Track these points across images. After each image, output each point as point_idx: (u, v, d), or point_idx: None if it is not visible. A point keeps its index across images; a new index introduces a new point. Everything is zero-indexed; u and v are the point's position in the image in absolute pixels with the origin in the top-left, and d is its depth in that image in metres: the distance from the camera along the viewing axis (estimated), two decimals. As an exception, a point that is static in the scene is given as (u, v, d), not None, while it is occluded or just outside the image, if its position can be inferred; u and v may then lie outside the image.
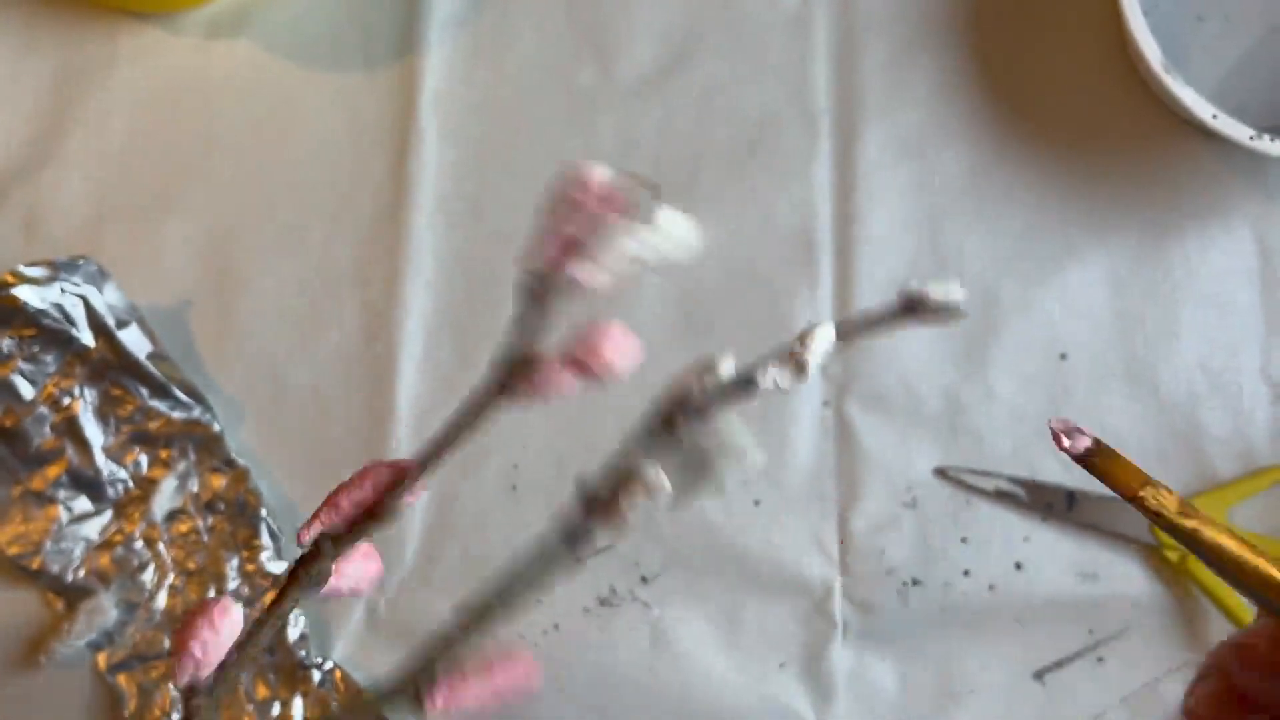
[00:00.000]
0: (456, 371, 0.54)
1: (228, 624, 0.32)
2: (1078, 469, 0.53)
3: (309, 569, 0.33)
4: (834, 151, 0.55)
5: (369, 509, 0.33)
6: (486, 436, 0.54)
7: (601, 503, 0.34)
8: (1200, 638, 0.52)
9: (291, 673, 0.51)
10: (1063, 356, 0.54)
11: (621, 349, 0.31)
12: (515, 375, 0.32)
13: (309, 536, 0.33)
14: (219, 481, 0.52)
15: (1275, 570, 0.30)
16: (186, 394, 0.52)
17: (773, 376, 0.34)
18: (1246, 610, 0.50)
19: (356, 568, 0.34)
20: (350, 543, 0.33)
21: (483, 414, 0.32)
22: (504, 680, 0.33)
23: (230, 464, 0.52)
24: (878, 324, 0.34)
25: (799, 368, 0.34)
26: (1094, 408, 0.53)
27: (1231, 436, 0.53)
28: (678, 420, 0.35)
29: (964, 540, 0.53)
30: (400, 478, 0.33)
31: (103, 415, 0.52)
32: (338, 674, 0.51)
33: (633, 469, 0.34)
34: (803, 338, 0.34)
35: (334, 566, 0.33)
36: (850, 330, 0.34)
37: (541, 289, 0.31)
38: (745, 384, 0.34)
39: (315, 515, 0.33)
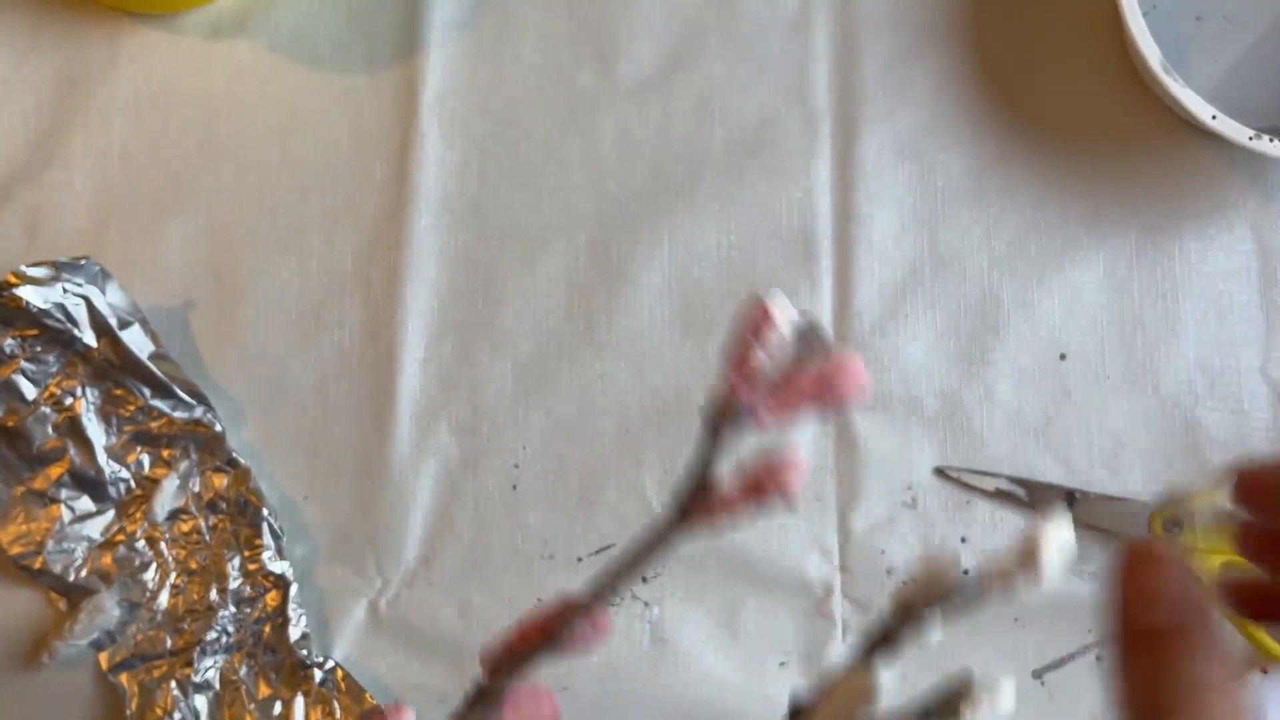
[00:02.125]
0: (457, 371, 0.54)
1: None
2: (1077, 468, 0.54)
3: (485, 697, 0.33)
4: (834, 152, 0.55)
5: (546, 634, 0.33)
6: (486, 438, 0.54)
7: (806, 713, 0.33)
8: (1199, 637, 0.52)
9: (293, 672, 0.51)
10: (1062, 356, 0.54)
11: (799, 473, 0.31)
12: (694, 503, 0.32)
13: (489, 657, 0.33)
14: (221, 481, 0.53)
15: None
16: (188, 394, 0.52)
17: (1001, 578, 0.33)
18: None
19: (531, 705, 0.34)
20: (524, 663, 0.33)
21: (664, 543, 0.32)
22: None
23: (232, 463, 0.53)
24: None
25: (1031, 565, 0.32)
26: (1094, 407, 0.53)
27: (1231, 436, 0.53)
28: (904, 631, 0.34)
29: (964, 540, 0.53)
30: (578, 607, 0.33)
31: (105, 415, 0.52)
32: (339, 673, 0.51)
33: (853, 678, 0.32)
34: (1032, 535, 0.31)
35: (506, 694, 0.33)
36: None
37: (722, 420, 0.31)
38: (976, 590, 0.32)
39: (499, 640, 0.33)
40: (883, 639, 0.34)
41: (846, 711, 0.33)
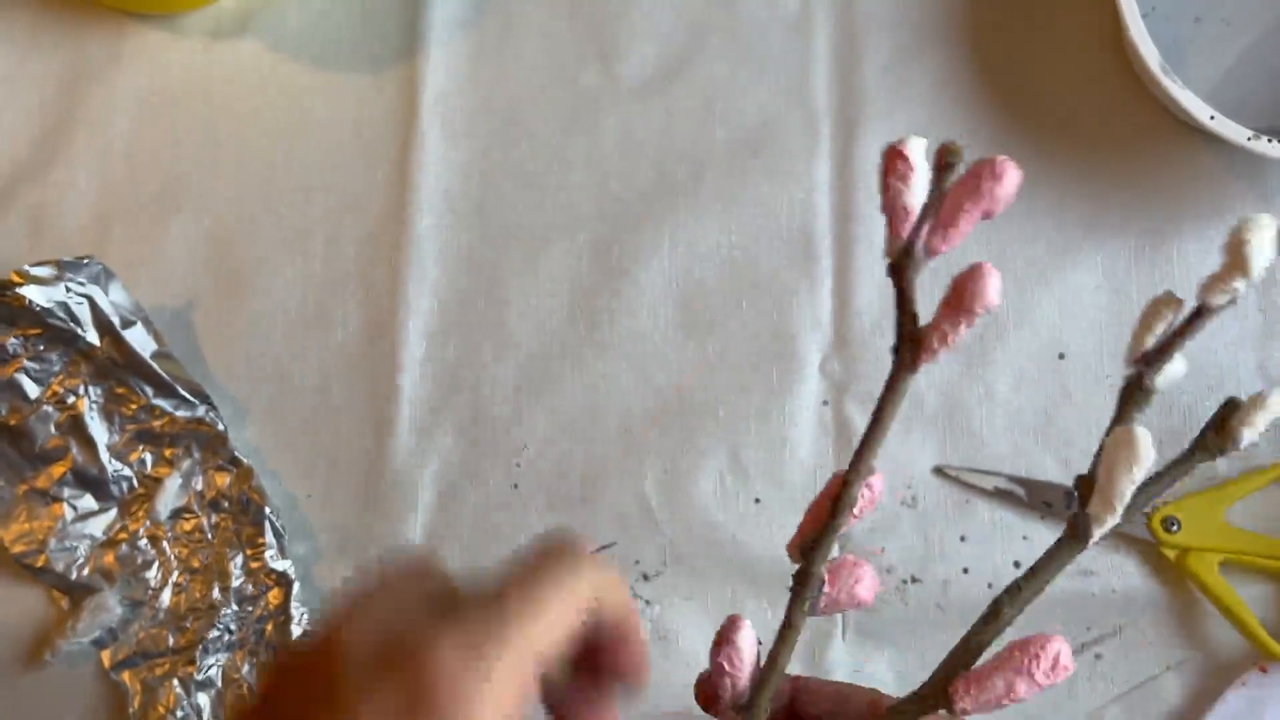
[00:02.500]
0: (459, 370, 0.55)
1: (745, 639, 0.35)
2: (1076, 467, 0.54)
3: (804, 580, 0.34)
4: (834, 152, 0.56)
5: (832, 508, 0.34)
6: (488, 437, 0.54)
7: (1090, 483, 0.33)
8: (1197, 635, 0.52)
9: (295, 670, 0.51)
10: (1061, 356, 0.54)
11: (991, 282, 0.30)
12: (913, 350, 0.32)
13: (793, 546, 0.35)
14: (223, 479, 0.53)
15: None
16: (191, 393, 0.52)
17: (1218, 291, 0.33)
18: (1244, 608, 0.51)
19: (848, 574, 0.35)
20: (826, 540, 0.34)
21: (899, 395, 0.33)
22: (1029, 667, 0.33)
23: (234, 462, 0.53)
24: None
25: (1242, 267, 0.32)
26: (1092, 407, 0.53)
27: (1229, 435, 0.53)
28: (1146, 378, 0.34)
29: (963, 538, 0.53)
30: (849, 475, 0.34)
31: (107, 414, 0.53)
32: (341, 671, 0.51)
33: (1116, 441, 0.32)
34: (1239, 233, 0.32)
35: (824, 574, 0.34)
36: None
37: (902, 264, 0.32)
38: (1199, 314, 0.33)
39: (795, 533, 0.34)
40: (1137, 388, 0.34)
41: (1122, 471, 0.32)
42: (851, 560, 0.35)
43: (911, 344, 0.32)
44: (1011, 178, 0.31)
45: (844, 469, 0.34)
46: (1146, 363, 0.34)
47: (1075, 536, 0.34)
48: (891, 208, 0.32)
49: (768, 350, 0.54)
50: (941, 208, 0.31)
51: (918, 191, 0.31)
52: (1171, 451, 0.52)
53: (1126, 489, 0.32)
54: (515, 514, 0.54)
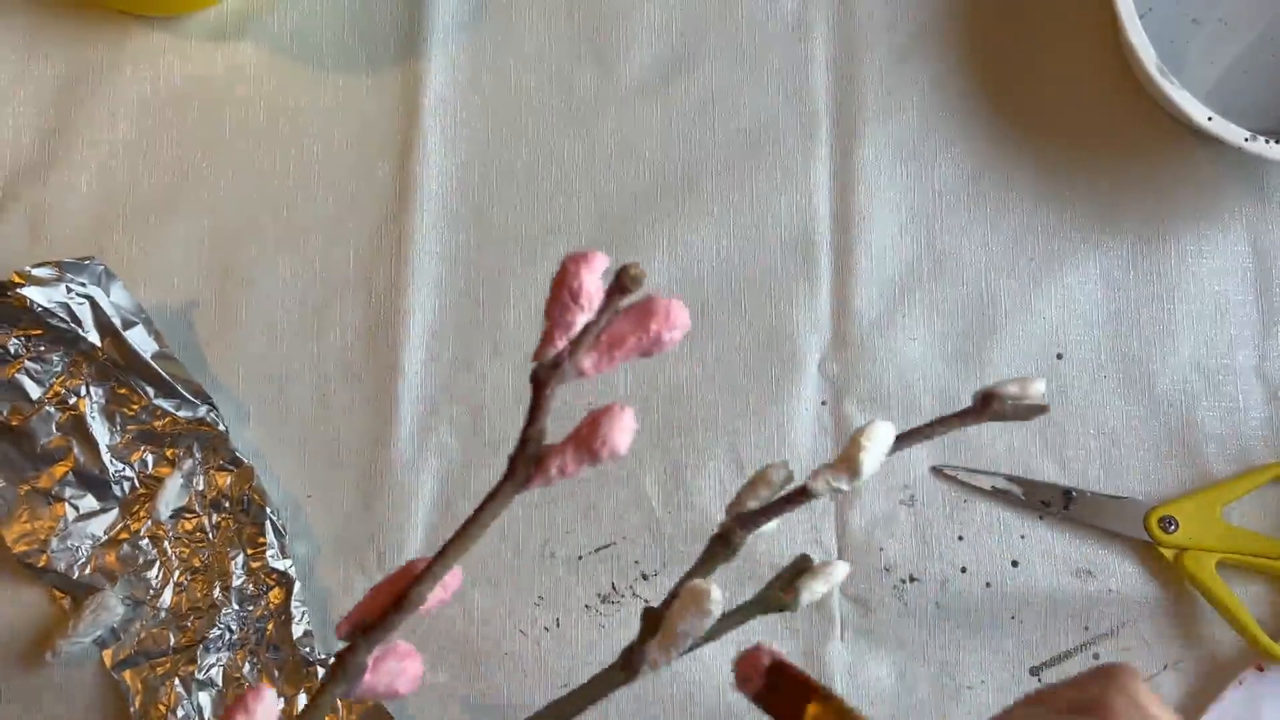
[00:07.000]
0: (459, 372, 0.55)
1: (264, 710, 0.32)
2: (1073, 467, 0.54)
3: (345, 663, 0.33)
4: (833, 154, 0.56)
5: (397, 600, 0.33)
6: (487, 437, 0.54)
7: (659, 618, 0.34)
8: (1195, 635, 0.52)
9: (296, 670, 0.52)
10: (1059, 356, 0.54)
11: (623, 428, 0.30)
12: (528, 465, 0.31)
13: (345, 630, 0.33)
14: (224, 480, 0.53)
15: None
16: (192, 393, 0.53)
17: (825, 480, 0.34)
18: (1242, 608, 0.51)
19: (393, 666, 0.33)
20: (381, 632, 0.33)
21: (500, 506, 0.32)
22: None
23: (235, 462, 0.53)
24: (942, 428, 0.34)
25: (852, 469, 0.33)
26: (1090, 407, 0.54)
27: (1227, 435, 0.53)
28: (735, 535, 0.35)
29: (961, 538, 0.53)
30: (425, 571, 0.33)
31: (109, 414, 0.53)
32: (341, 670, 0.52)
33: (689, 593, 0.33)
34: (857, 436, 0.34)
35: (369, 662, 0.33)
36: (909, 437, 0.34)
37: (546, 375, 0.31)
38: (801, 493, 0.34)
39: (353, 610, 0.33)
40: (725, 543, 0.35)
41: (690, 619, 0.33)
42: (403, 649, 0.33)
43: (528, 461, 0.31)
44: (680, 325, 0.31)
45: (425, 557, 0.33)
46: (741, 524, 0.35)
47: (625, 668, 0.34)
48: (554, 317, 0.31)
49: (766, 351, 0.54)
50: (605, 331, 0.30)
51: (586, 306, 0.31)
52: (1170, 452, 0.53)
53: (685, 640, 0.33)
54: (515, 514, 0.54)
